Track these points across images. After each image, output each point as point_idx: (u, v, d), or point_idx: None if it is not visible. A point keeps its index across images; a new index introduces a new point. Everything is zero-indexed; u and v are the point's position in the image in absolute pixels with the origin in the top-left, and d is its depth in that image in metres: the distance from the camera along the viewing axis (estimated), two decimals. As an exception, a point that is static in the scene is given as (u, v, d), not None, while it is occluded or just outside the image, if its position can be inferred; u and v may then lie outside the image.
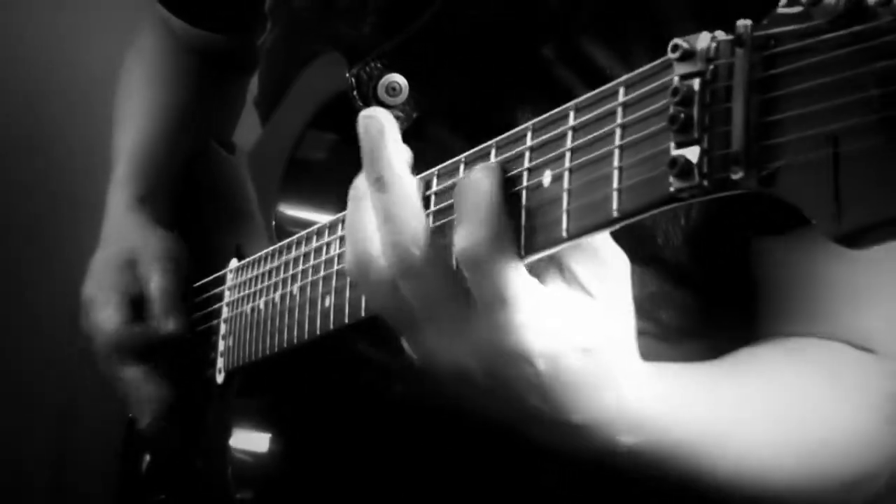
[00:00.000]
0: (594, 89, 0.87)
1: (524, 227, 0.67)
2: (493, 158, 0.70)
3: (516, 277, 0.67)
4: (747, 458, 0.81)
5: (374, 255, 0.73)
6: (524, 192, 0.67)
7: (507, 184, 0.67)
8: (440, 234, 0.72)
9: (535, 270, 0.69)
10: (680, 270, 0.91)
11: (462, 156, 0.73)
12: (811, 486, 0.84)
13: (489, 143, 0.71)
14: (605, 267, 0.69)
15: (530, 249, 0.66)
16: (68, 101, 1.91)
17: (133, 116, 1.37)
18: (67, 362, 1.25)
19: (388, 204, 0.72)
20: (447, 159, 0.76)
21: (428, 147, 0.93)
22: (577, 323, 0.69)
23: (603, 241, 0.69)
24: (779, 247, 0.87)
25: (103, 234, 1.28)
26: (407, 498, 1.00)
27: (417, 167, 0.85)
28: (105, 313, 1.18)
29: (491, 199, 0.67)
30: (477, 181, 0.68)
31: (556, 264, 0.69)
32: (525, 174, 0.67)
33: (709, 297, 0.93)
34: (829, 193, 0.51)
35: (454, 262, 0.70)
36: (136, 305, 1.19)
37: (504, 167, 0.68)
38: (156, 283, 1.17)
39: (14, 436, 1.72)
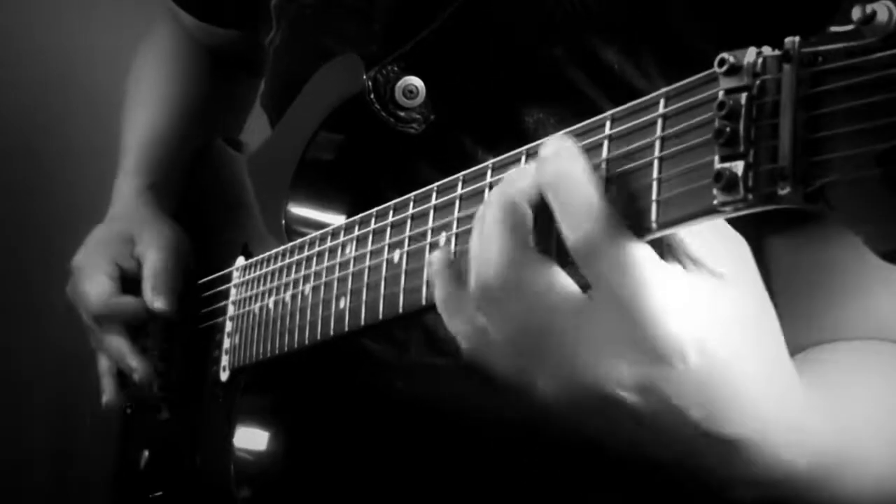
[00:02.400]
0: (604, 92, 0.89)
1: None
2: (522, 165, 0.70)
3: (643, 257, 0.60)
4: (873, 471, 0.73)
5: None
6: None
7: None
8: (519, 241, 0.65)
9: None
10: None
11: (489, 162, 0.73)
12: None
13: (519, 150, 0.71)
14: (728, 247, 0.63)
15: None
16: (71, 100, 1.90)
17: (143, 109, 1.37)
18: (67, 362, 1.24)
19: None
20: (464, 160, 0.76)
21: (445, 149, 0.94)
22: (723, 308, 0.61)
23: (719, 224, 0.62)
24: (791, 245, 0.84)
25: (108, 216, 1.29)
26: (410, 497, 1.00)
27: (434, 169, 0.85)
28: (95, 280, 1.18)
29: (590, 179, 0.61)
30: (567, 168, 0.62)
31: (675, 249, 0.62)
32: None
33: None
34: (876, 211, 0.51)
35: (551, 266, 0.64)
36: (127, 282, 1.18)
37: None
38: (151, 262, 1.17)
39: (14, 433, 1.71)
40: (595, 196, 0.61)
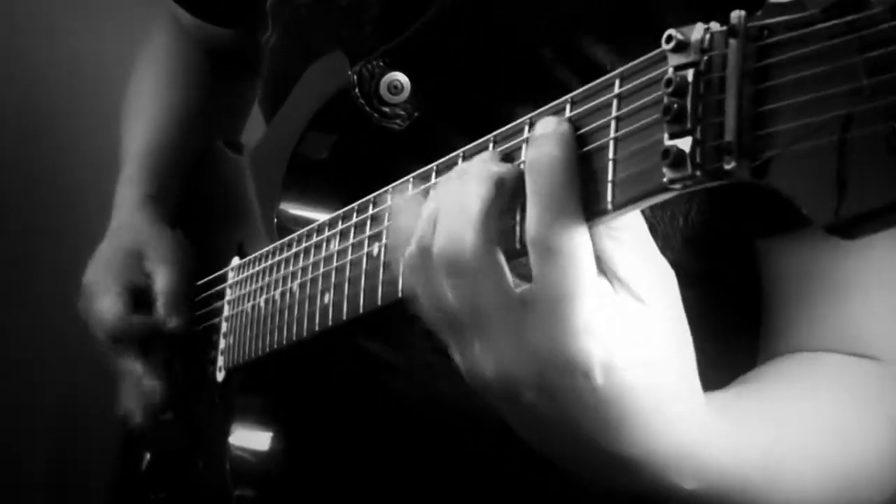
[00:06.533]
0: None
1: None
2: (490, 151, 0.70)
3: (589, 271, 0.61)
4: (796, 491, 0.76)
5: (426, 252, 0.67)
6: None
7: None
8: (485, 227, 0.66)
9: None
10: (679, 272, 0.90)
11: (460, 150, 0.74)
12: None
13: (487, 137, 0.71)
14: (653, 272, 0.64)
15: None
16: (73, 99, 1.92)
17: (143, 114, 1.38)
18: (67, 362, 1.25)
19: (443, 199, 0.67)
20: None
21: (429, 145, 0.94)
22: (639, 333, 0.63)
23: (650, 250, 0.64)
24: (783, 246, 0.86)
25: (111, 227, 1.29)
26: (407, 496, 1.00)
27: (418, 165, 0.85)
28: (107, 301, 1.18)
29: (569, 173, 0.61)
30: (551, 154, 0.62)
31: (603, 267, 0.63)
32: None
33: (710, 299, 0.92)
34: (821, 182, 0.51)
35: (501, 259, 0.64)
36: (138, 297, 1.19)
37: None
38: (162, 279, 1.17)
39: (14, 435, 1.73)
40: (570, 186, 0.61)
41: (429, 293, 0.67)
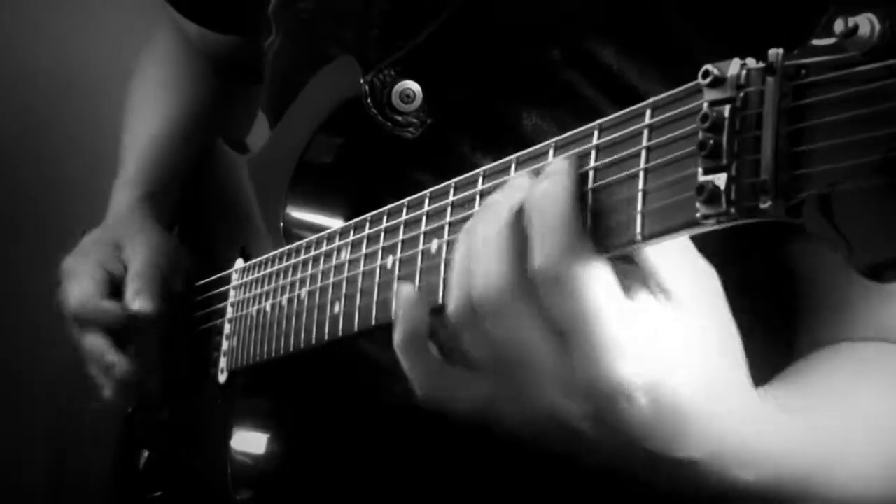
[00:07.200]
0: (603, 94, 0.89)
1: None
2: (512, 172, 0.70)
3: (606, 295, 0.62)
4: (855, 479, 0.77)
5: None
6: None
7: None
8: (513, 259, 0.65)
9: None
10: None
11: (481, 169, 0.73)
12: None
13: (510, 157, 0.71)
14: (696, 279, 0.64)
15: None
16: (71, 101, 1.91)
17: (144, 117, 1.37)
18: (67, 362, 1.25)
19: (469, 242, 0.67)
20: (460, 165, 0.76)
21: (441, 153, 0.94)
22: (678, 339, 0.63)
23: (687, 253, 0.64)
24: (813, 248, 0.85)
25: (104, 223, 1.29)
26: (408, 499, 1.00)
27: (431, 173, 0.85)
28: (78, 281, 1.18)
29: (569, 203, 0.62)
30: (553, 191, 0.62)
31: (647, 279, 0.63)
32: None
33: (746, 297, 0.91)
34: (855, 225, 0.51)
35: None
36: (114, 288, 1.18)
37: None
38: (134, 265, 1.17)
39: (13, 433, 1.72)
40: (571, 220, 0.61)
41: (479, 343, 0.67)
